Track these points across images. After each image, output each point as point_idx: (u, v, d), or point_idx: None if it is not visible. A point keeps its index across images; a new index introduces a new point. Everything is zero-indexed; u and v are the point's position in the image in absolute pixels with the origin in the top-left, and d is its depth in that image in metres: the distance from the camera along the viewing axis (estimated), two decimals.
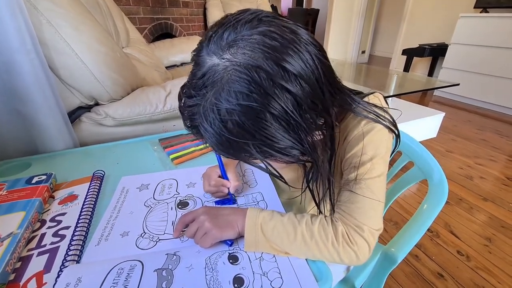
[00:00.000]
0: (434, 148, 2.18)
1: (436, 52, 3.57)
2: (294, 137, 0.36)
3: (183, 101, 0.39)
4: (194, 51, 0.39)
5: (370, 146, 0.45)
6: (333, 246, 0.44)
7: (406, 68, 3.89)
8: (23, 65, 0.74)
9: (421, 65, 4.15)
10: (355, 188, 0.45)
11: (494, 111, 3.04)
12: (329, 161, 0.45)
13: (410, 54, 3.76)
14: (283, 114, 0.34)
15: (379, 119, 0.45)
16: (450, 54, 3.25)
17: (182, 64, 2.51)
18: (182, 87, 0.40)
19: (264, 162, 0.40)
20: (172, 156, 0.79)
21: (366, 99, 0.49)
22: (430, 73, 3.87)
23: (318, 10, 6.49)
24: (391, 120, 0.47)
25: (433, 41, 3.76)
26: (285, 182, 0.46)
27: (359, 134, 0.46)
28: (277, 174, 0.42)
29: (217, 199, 0.62)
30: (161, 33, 2.94)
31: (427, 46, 3.51)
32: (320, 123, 0.39)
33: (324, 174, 0.44)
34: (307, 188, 0.47)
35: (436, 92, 3.55)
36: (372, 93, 0.51)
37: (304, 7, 7.78)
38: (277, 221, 0.47)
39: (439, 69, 3.43)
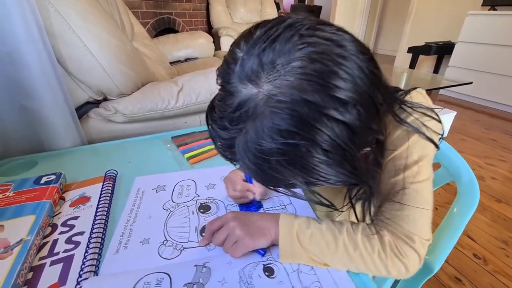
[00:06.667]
0: None
1: (442, 50, 3.52)
2: (348, 169, 0.31)
3: (216, 131, 0.34)
4: (220, 73, 0.33)
5: (417, 146, 0.40)
6: (380, 258, 0.40)
7: (412, 66, 3.84)
8: (29, 57, 0.69)
9: (426, 63, 4.11)
10: (401, 193, 0.41)
11: (501, 110, 3.00)
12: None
13: (416, 52, 3.71)
14: (336, 148, 0.29)
15: (422, 130, 0.40)
16: (457, 53, 3.21)
17: (186, 59, 2.45)
18: (211, 111, 0.35)
19: (309, 191, 0.35)
20: (187, 155, 0.75)
21: (408, 97, 0.44)
22: (435, 72, 3.83)
23: (320, 7, 6.43)
24: (439, 120, 0.43)
25: (438, 39, 3.71)
26: (334, 208, 0.41)
27: (403, 133, 0.41)
28: (327, 203, 0.38)
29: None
30: (163, 28, 2.89)
31: (433, 44, 3.46)
32: (371, 140, 0.35)
33: (375, 193, 0.40)
34: (350, 204, 0.43)
35: (441, 91, 3.51)
36: (414, 89, 0.46)
37: (306, 3, 7.72)
38: (315, 229, 0.43)
39: (445, 68, 3.39)
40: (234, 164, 0.37)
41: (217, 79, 0.34)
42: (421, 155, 0.40)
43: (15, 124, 0.74)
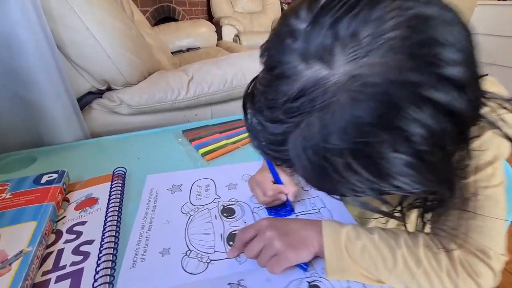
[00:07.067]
0: None
1: None
2: (439, 176, 0.24)
3: (262, 124, 0.26)
4: (268, 51, 0.26)
5: (491, 144, 0.34)
6: (449, 277, 0.34)
7: None
8: (26, 42, 0.62)
9: None
10: (473, 200, 0.35)
11: None
12: None
13: None
14: (434, 147, 0.21)
15: (498, 125, 0.33)
16: None
17: (188, 49, 2.36)
18: (252, 100, 0.27)
19: (381, 200, 0.27)
20: (202, 151, 0.68)
21: None
22: None
23: None
24: None
25: None
26: (402, 220, 0.34)
27: (474, 128, 0.34)
28: (398, 214, 0.31)
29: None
30: (163, 16, 2.79)
31: None
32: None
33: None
34: (401, 212, 0.36)
35: None
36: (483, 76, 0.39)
37: None
38: (366, 240, 0.37)
39: None
40: (280, 166, 0.30)
41: (261, 57, 0.27)
42: (496, 154, 0.34)
43: (11, 116, 0.67)
